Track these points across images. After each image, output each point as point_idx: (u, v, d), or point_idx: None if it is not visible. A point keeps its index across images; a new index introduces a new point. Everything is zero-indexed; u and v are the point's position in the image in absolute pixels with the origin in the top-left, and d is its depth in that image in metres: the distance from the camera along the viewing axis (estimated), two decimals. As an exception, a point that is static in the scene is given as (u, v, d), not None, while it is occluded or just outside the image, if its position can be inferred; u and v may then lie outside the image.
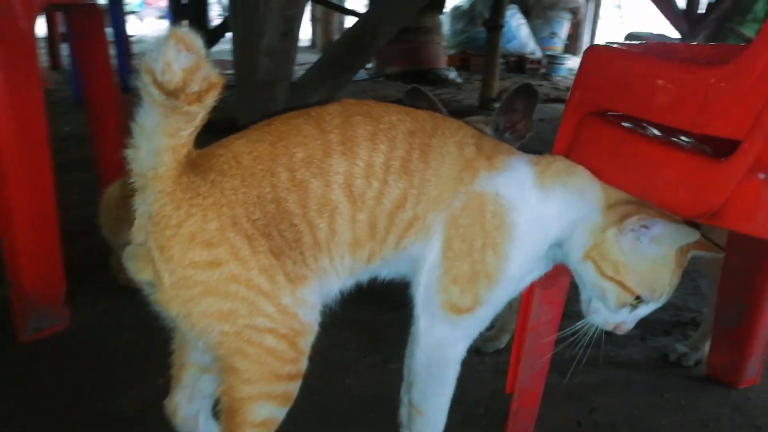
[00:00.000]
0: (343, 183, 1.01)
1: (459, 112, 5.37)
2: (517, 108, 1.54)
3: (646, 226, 0.99)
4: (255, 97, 1.79)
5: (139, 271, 1.00)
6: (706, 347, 1.73)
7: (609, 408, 1.57)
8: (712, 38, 5.45)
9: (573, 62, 7.43)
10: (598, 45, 1.11)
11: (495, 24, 4.80)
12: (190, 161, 0.99)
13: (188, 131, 0.96)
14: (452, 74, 6.07)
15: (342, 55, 1.97)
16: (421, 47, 6.02)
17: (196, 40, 0.89)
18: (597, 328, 1.14)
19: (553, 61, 6.87)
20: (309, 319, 1.04)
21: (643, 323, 1.15)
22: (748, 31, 5.27)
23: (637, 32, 5.43)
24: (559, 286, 1.32)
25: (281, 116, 1.11)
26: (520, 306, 1.34)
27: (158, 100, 0.89)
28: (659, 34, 5.42)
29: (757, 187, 0.82)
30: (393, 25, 2.00)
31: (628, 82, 0.98)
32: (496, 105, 5.11)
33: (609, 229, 1.03)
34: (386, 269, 1.14)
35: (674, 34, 5.51)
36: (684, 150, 0.89)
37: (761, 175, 0.81)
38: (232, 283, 0.97)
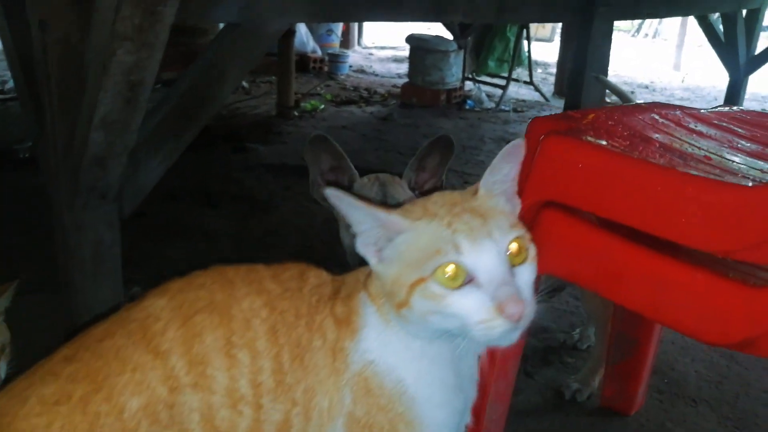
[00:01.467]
0: (203, 423, 0.76)
1: (260, 124, 4.92)
2: (427, 166, 1.40)
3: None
4: (80, 174, 1.37)
5: None
6: (596, 381, 1.80)
7: (537, 469, 1.54)
8: (480, 39, 5.93)
9: (352, 59, 7.51)
10: (559, 135, 1.00)
11: (288, 29, 4.57)
12: None
13: None
14: (237, 78, 5.69)
15: (184, 108, 1.60)
16: (199, 51, 5.51)
17: None
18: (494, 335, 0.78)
19: (334, 59, 6.84)
20: None
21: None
22: (510, 34, 5.83)
23: (417, 34, 5.62)
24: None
25: (86, 336, 0.79)
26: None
27: None
28: (437, 36, 5.69)
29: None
30: (242, 68, 1.69)
31: (631, 192, 0.89)
32: (296, 113, 4.96)
33: (371, 275, 0.86)
34: None
35: (448, 35, 5.85)
36: (708, 271, 0.83)
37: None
38: None
